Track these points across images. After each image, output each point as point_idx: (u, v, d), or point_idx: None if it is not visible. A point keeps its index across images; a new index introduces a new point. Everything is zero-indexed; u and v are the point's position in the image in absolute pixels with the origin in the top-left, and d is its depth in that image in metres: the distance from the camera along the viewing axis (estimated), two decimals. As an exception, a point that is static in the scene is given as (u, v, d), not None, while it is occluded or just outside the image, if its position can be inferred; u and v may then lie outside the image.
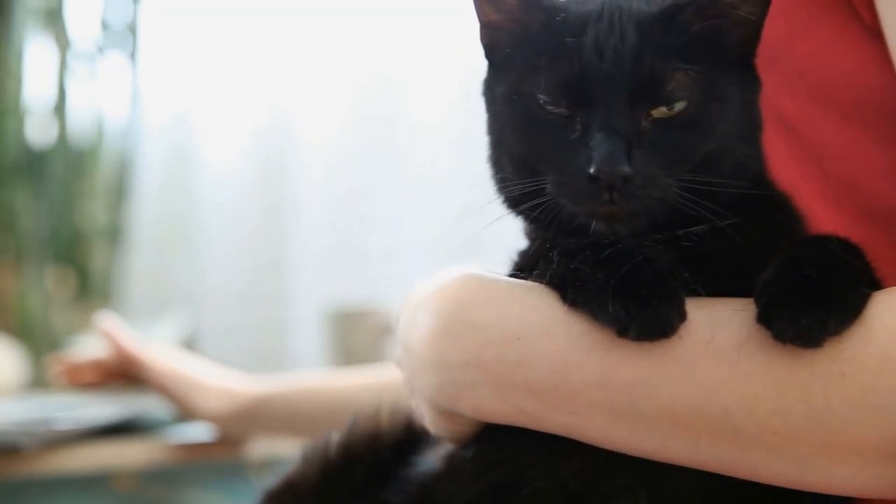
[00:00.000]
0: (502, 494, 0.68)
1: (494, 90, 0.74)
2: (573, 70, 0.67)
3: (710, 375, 0.62)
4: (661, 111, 0.67)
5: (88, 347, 1.82)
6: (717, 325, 0.63)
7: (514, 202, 0.73)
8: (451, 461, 0.73)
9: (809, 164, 0.78)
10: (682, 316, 0.62)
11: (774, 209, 0.71)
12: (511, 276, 0.72)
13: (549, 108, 0.68)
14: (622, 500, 0.66)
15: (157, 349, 1.45)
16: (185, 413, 1.40)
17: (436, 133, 2.01)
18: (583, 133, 0.66)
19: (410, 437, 0.81)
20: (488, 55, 0.75)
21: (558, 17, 0.69)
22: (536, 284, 0.67)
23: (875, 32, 0.72)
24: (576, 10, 0.70)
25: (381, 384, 1.23)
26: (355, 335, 1.80)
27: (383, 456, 0.80)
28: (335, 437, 0.83)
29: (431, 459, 0.76)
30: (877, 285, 0.64)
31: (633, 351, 0.63)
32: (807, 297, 0.61)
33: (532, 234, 0.75)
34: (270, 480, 0.84)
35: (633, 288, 0.62)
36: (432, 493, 0.73)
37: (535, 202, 0.68)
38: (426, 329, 0.68)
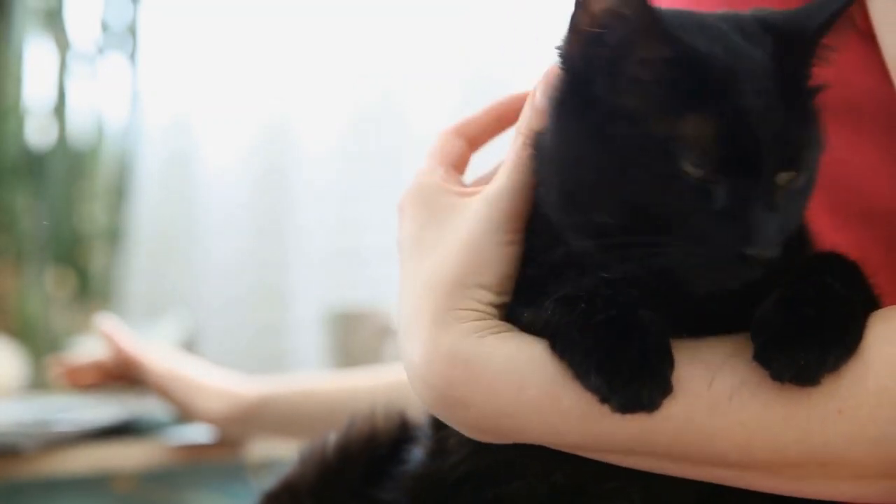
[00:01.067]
0: (487, 484, 0.69)
1: (607, 126, 0.61)
2: (731, 131, 0.58)
3: (706, 425, 0.61)
4: (782, 178, 0.60)
5: (88, 348, 1.82)
6: (712, 375, 0.62)
7: (607, 249, 0.62)
8: (437, 444, 0.73)
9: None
10: (665, 392, 0.60)
11: (798, 241, 0.67)
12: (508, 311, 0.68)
13: (687, 166, 0.59)
14: (614, 501, 0.66)
15: (156, 350, 1.45)
16: (185, 414, 1.40)
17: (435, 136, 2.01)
18: (731, 203, 0.59)
19: (405, 436, 0.81)
20: (573, 68, 0.63)
21: (697, 58, 0.59)
22: (525, 354, 0.64)
23: (867, 35, 0.72)
24: (711, 53, 0.60)
25: (381, 385, 1.23)
26: (355, 336, 1.80)
27: (380, 455, 0.81)
28: (332, 439, 0.83)
29: (420, 450, 0.76)
30: (875, 304, 0.63)
31: (624, 419, 0.61)
32: (804, 336, 0.59)
33: (544, 254, 0.67)
34: (269, 482, 0.85)
35: (618, 363, 0.60)
36: (422, 482, 0.73)
37: (641, 255, 0.60)
38: (420, 392, 0.67)
